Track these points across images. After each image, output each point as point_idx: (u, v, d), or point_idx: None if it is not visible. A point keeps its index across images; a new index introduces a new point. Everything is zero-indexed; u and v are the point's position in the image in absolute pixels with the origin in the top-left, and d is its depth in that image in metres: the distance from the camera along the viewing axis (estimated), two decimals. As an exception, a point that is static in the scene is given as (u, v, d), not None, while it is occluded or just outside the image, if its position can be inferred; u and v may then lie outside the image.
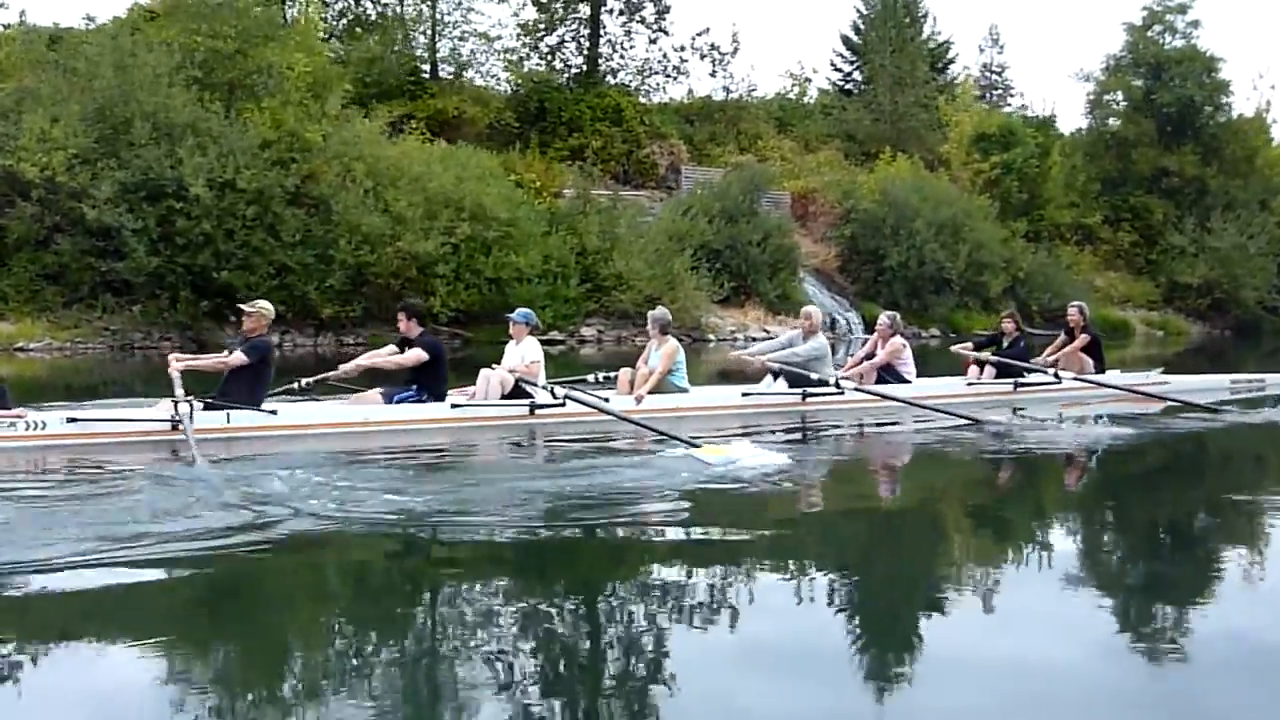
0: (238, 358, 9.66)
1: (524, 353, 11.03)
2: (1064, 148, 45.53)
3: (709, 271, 35.34)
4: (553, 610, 5.13)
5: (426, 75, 41.76)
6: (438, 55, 41.78)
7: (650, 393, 11.13)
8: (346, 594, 5.65)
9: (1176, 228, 45.89)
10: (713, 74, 50.34)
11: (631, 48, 45.17)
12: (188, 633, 4.86)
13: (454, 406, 10.41)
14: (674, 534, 6.67)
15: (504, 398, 10.70)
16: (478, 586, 5.59)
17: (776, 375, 12.19)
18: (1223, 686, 4.25)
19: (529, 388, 10.78)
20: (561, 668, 4.37)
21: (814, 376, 11.97)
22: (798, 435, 11.16)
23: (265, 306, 10.14)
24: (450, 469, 8.87)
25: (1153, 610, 5.35)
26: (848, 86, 54.81)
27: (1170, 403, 12.89)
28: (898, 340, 13.11)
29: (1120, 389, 13.71)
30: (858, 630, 5.01)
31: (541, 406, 10.61)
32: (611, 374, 11.79)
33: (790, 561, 6.11)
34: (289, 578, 5.83)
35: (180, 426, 8.99)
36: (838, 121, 49.35)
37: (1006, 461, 9.99)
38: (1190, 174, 47.23)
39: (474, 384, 10.90)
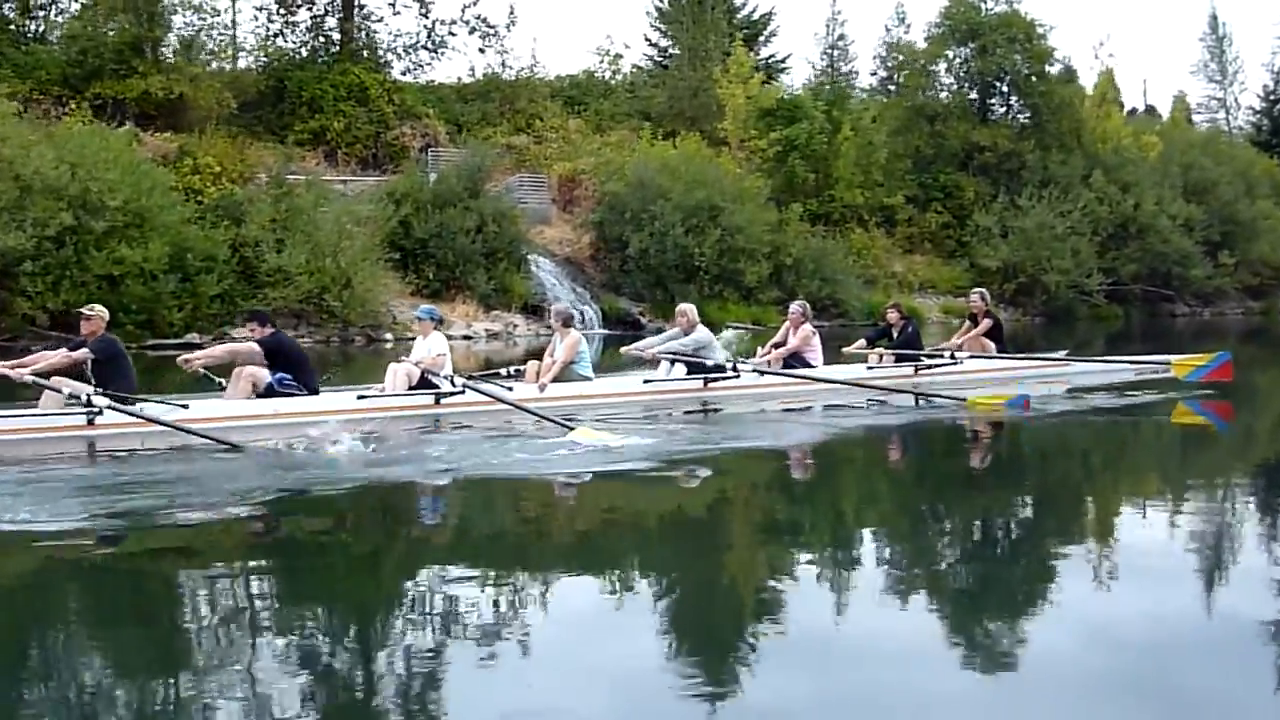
0: (84, 353, 10.27)
1: (430, 346, 11.51)
2: (854, 122, 41.97)
3: (412, 263, 32.03)
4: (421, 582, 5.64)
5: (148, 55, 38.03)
6: (156, 33, 37.97)
7: (554, 381, 11.68)
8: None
9: (986, 207, 42.53)
10: (481, 50, 46.79)
11: (379, 20, 41.66)
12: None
13: (360, 398, 10.98)
14: (534, 508, 7.67)
15: (411, 389, 11.20)
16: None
17: (672, 364, 12.71)
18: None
19: (434, 379, 11.26)
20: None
21: (709, 363, 12.50)
22: (699, 419, 11.64)
23: (101, 309, 10.75)
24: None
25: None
26: (665, 62, 51.20)
27: (1069, 383, 13.80)
28: (807, 328, 13.53)
29: (1019, 368, 14.56)
30: (696, 600, 5.35)
31: (445, 396, 11.14)
32: (522, 366, 12.23)
33: (630, 538, 6.70)
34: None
35: (95, 421, 9.70)
36: (636, 100, 45.80)
37: (908, 438, 10.76)
38: (1005, 149, 43.88)
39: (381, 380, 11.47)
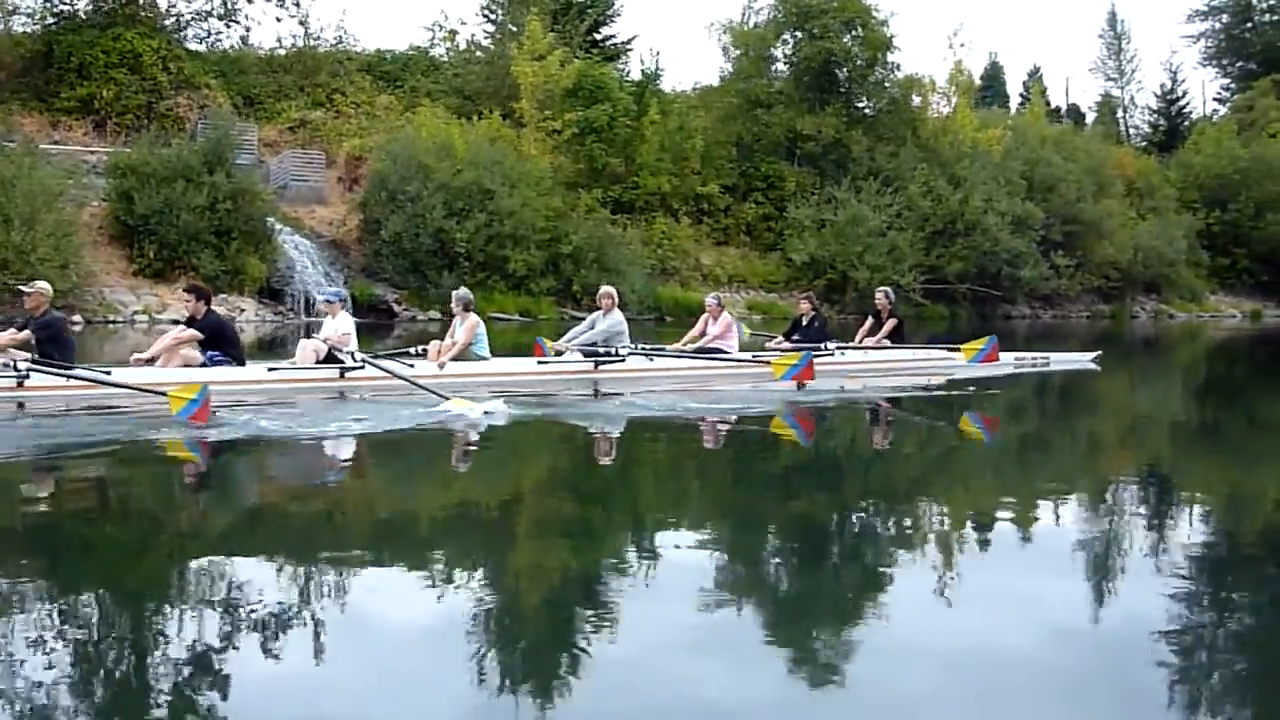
0: (26, 335, 10.63)
1: (337, 325, 12.25)
2: (664, 106, 40.03)
3: (135, 241, 29.95)
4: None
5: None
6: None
7: (454, 360, 12.48)
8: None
9: (804, 199, 40.69)
10: (278, 19, 45.15)
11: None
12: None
13: (271, 370, 11.86)
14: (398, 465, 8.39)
15: (318, 363, 11.94)
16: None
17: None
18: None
19: (339, 354, 11.97)
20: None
21: (600, 349, 13.30)
22: (588, 397, 12.23)
23: (44, 286, 11.13)
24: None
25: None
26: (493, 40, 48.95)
27: (950, 376, 14.36)
28: (726, 317, 14.35)
29: (891, 360, 15.11)
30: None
31: (348, 370, 11.85)
32: (425, 346, 12.98)
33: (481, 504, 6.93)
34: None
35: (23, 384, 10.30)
36: (457, 78, 43.65)
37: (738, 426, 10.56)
38: (830, 138, 42.04)
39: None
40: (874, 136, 43.14)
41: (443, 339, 13.11)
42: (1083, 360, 17.48)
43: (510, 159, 35.05)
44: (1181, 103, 73.97)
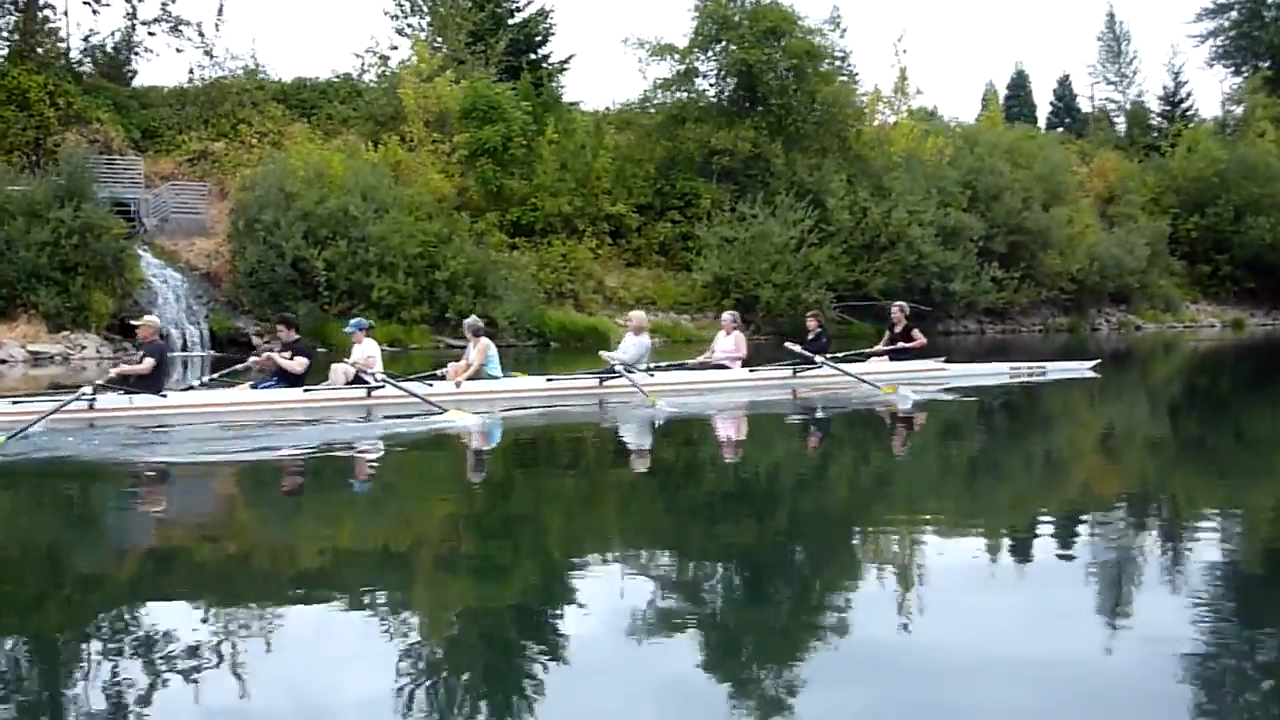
0: (148, 364, 12.84)
1: (365, 351, 14.07)
2: (565, 124, 38.84)
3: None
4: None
5: None
6: None
7: (469, 379, 14.34)
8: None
9: (718, 216, 39.21)
10: (179, 50, 45.56)
11: (59, 20, 39.04)
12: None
13: (306, 390, 13.55)
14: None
15: (348, 384, 13.75)
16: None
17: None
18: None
19: (365, 376, 13.71)
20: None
21: (611, 367, 15.07)
22: (593, 410, 14.25)
23: (152, 319, 13.92)
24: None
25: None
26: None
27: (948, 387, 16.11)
28: (738, 334, 16.39)
29: (889, 371, 16.43)
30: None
31: (374, 389, 13.62)
32: (444, 370, 14.83)
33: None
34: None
35: (94, 405, 12.36)
36: (368, 103, 42.90)
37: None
38: (746, 152, 40.53)
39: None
40: (800, 149, 41.50)
41: (459, 362, 15.25)
42: (1081, 369, 18.31)
43: (386, 184, 34.11)
44: (1185, 105, 71.08)
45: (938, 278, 40.32)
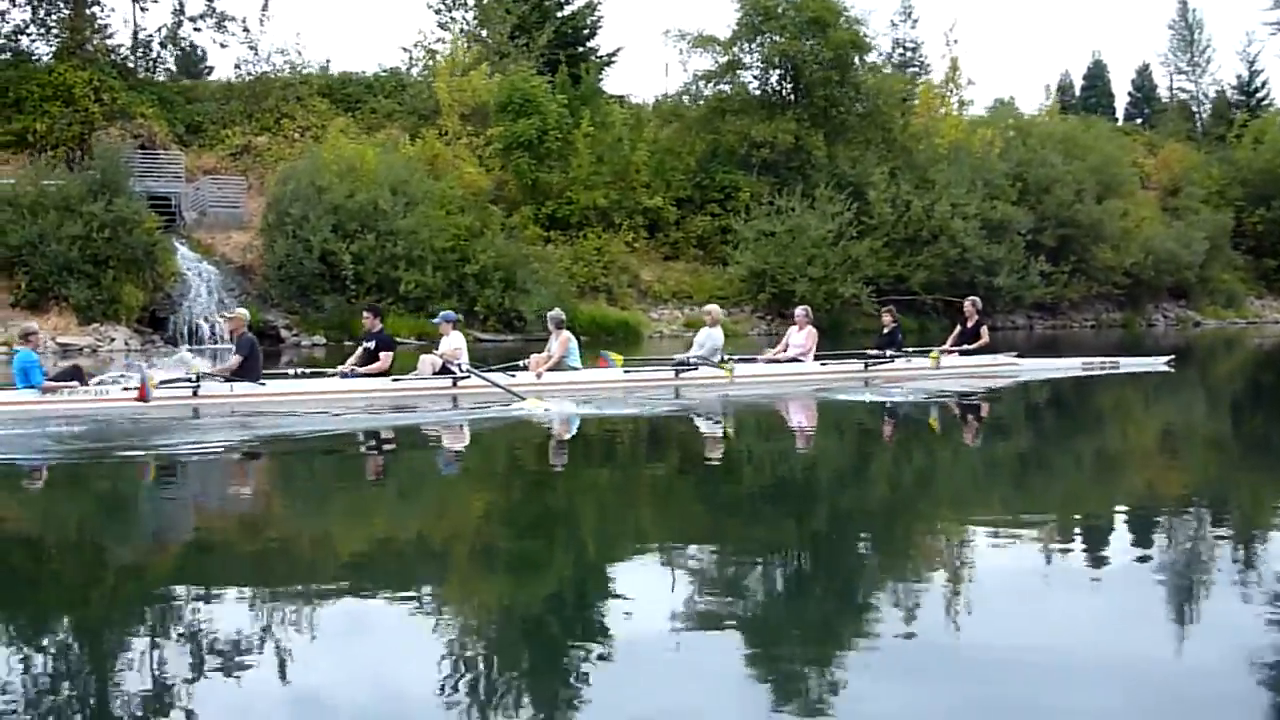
0: (235, 360, 13.43)
1: (452, 343, 14.74)
2: (603, 118, 38.57)
3: (8, 273, 30.07)
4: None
5: None
6: None
7: (550, 370, 14.80)
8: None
9: (756, 209, 38.71)
10: (223, 46, 47.25)
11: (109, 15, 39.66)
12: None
13: (395, 380, 14.19)
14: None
15: (435, 374, 14.29)
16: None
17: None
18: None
19: (452, 366, 14.33)
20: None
21: (686, 359, 15.85)
22: (670, 399, 14.54)
23: (241, 311, 14.49)
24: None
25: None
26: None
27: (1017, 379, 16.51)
28: (811, 330, 16.60)
29: (961, 365, 16.78)
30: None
31: (459, 379, 14.23)
32: (527, 361, 15.31)
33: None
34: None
35: (198, 393, 13.20)
36: (411, 98, 43.02)
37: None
38: (787, 145, 39.96)
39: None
40: (843, 141, 40.84)
41: (539, 353, 15.69)
42: (1155, 364, 18.39)
43: (418, 178, 34.14)
44: (1260, 94, 68.81)
45: (982, 272, 39.42)
